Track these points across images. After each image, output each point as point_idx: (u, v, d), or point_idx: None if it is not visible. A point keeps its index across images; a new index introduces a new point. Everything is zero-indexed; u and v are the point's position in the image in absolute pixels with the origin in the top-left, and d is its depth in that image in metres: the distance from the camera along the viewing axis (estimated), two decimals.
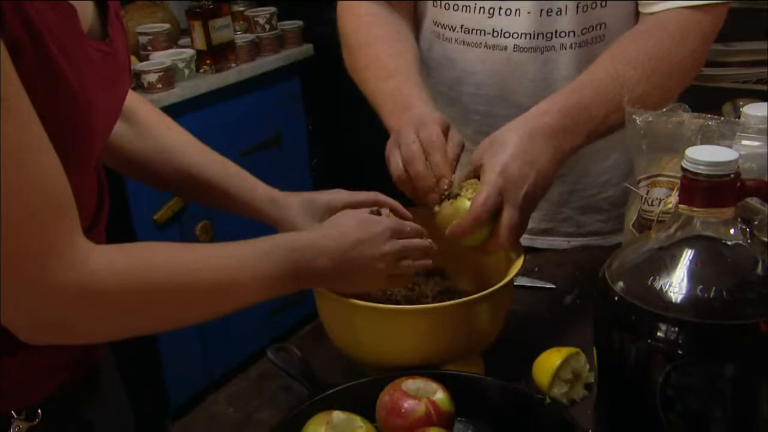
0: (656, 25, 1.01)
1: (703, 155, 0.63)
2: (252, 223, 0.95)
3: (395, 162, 0.92)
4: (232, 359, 2.15)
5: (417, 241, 0.87)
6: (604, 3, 1.05)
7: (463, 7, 1.10)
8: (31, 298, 0.61)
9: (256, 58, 2.27)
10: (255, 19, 2.30)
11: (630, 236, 0.97)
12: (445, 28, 1.14)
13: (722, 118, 0.89)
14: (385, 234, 0.84)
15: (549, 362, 0.85)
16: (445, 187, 0.88)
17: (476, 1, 1.08)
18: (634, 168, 0.95)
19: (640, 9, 1.04)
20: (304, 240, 0.80)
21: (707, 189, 0.63)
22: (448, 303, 0.87)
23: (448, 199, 0.89)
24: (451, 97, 1.17)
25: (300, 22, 2.42)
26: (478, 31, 1.10)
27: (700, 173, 0.62)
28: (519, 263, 0.89)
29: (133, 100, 0.92)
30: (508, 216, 0.86)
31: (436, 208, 0.90)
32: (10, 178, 0.57)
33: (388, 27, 1.13)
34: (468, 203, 0.86)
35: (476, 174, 0.90)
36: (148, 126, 0.93)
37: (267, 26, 2.30)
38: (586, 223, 1.22)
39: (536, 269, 1.13)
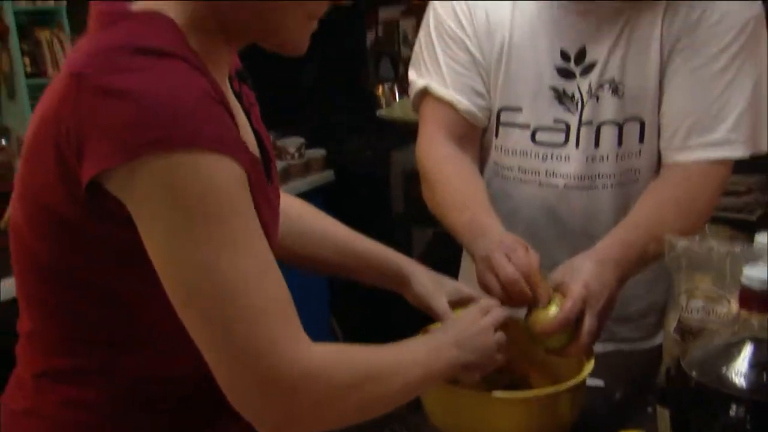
0: (683, 173, 1.24)
1: (758, 274, 0.85)
2: None
3: (494, 285, 1.11)
4: None
5: (498, 311, 1.03)
6: (639, 154, 1.30)
7: (520, 152, 1.34)
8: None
9: (287, 182, 2.50)
10: (286, 148, 2.55)
11: (670, 340, 1.18)
12: (503, 168, 1.37)
13: (745, 246, 1.12)
14: (479, 313, 1.01)
15: None
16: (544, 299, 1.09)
17: (533, 149, 1.32)
18: (673, 283, 1.16)
19: (666, 159, 1.28)
20: (439, 340, 0.96)
21: (763, 299, 0.85)
22: (541, 390, 1.06)
23: (536, 308, 1.09)
24: (507, 225, 1.35)
25: (323, 151, 2.67)
26: (533, 172, 1.33)
27: (756, 288, 0.85)
28: (591, 363, 1.09)
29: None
30: (589, 323, 1.06)
31: (527, 315, 1.09)
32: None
33: (461, 166, 1.33)
34: (555, 308, 1.07)
35: (554, 291, 1.10)
36: (306, 219, 1.11)
37: (296, 154, 2.55)
38: (617, 331, 1.43)
39: None
